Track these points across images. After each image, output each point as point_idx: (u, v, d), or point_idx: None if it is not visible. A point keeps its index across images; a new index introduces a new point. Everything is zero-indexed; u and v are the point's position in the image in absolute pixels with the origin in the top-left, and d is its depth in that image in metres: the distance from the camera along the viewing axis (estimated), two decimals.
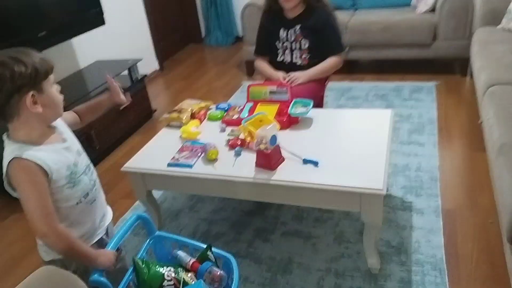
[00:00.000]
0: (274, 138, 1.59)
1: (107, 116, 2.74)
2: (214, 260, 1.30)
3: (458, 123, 2.65)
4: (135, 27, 3.97)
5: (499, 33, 2.71)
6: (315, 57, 2.31)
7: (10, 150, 1.06)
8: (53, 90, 1.11)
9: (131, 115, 3.06)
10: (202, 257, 1.30)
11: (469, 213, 1.91)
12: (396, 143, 2.49)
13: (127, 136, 3.04)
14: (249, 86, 2.03)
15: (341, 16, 3.35)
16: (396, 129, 2.62)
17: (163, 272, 1.23)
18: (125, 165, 1.79)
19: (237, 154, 1.73)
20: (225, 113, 2.05)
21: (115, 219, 2.17)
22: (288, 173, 1.59)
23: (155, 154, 1.84)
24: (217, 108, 2.11)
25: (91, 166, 1.28)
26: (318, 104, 2.35)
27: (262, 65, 2.40)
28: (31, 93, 1.03)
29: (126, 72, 3.08)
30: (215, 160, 1.70)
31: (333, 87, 3.31)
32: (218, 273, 1.24)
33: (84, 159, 1.23)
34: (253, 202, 2.14)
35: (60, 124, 1.22)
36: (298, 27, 2.26)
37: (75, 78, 3.11)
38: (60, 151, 1.13)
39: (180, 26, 4.88)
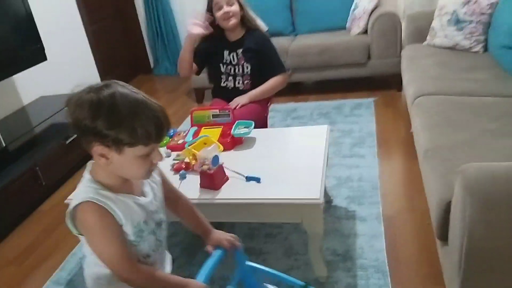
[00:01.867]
0: (216, 158, 1.64)
1: (53, 149, 2.70)
2: None
3: (395, 134, 2.83)
4: (80, 60, 3.95)
5: (425, 49, 2.95)
6: (257, 82, 2.42)
7: (86, 189, 1.00)
8: (138, 160, 0.97)
9: (79, 148, 3.01)
10: None
11: (408, 217, 2.04)
12: (339, 157, 2.61)
13: (75, 170, 2.98)
14: (192, 111, 2.08)
15: (282, 41, 3.55)
16: (338, 144, 2.76)
17: None
18: (69, 197, 1.77)
19: (182, 178, 1.76)
20: (170, 139, 2.08)
21: (64, 255, 2.14)
22: (232, 191, 1.64)
23: None
24: None
25: (164, 224, 1.17)
26: (263, 125, 2.44)
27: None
28: (101, 146, 0.95)
29: None
30: None
31: (279, 108, 3.44)
32: None
33: (158, 217, 1.13)
34: None
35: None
36: (240, 50, 2.36)
37: (18, 115, 3.05)
38: (132, 205, 1.03)
39: (128, 58, 4.90)
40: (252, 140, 2.00)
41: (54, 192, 2.76)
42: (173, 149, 1.99)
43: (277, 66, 2.43)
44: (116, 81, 0.98)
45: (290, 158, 1.82)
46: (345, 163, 2.54)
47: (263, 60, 2.37)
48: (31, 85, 3.24)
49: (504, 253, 1.17)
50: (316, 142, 1.89)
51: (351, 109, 3.29)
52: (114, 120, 0.91)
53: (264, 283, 1.27)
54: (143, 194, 1.09)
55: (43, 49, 2.95)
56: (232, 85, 2.45)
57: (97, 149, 0.96)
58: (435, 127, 1.87)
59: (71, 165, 2.94)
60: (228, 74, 2.44)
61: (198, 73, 2.48)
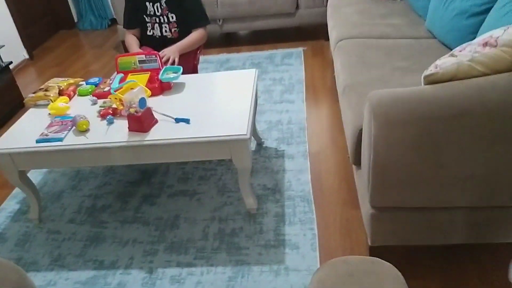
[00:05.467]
0: (143, 100, 1.65)
1: None
2: None
3: (321, 81, 2.97)
4: None
5: None
6: (184, 30, 2.39)
7: None
8: None
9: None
10: None
11: (330, 153, 2.20)
12: (270, 103, 2.71)
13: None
14: (117, 57, 2.04)
15: None
16: (270, 91, 2.85)
17: None
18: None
19: (110, 123, 1.75)
20: (96, 87, 2.04)
21: None
22: (161, 132, 1.66)
23: (22, 133, 1.78)
24: (87, 83, 2.09)
25: None
26: (193, 72, 2.45)
27: (130, 41, 2.40)
28: None
29: None
30: (86, 130, 1.71)
31: (212, 59, 3.44)
32: None
33: None
34: (138, 172, 2.18)
35: None
36: (163, 1, 2.31)
37: None
38: None
39: (48, 12, 4.56)
40: (181, 85, 2.02)
41: None
42: (99, 96, 1.96)
43: (199, 17, 2.41)
44: None
45: (219, 101, 1.87)
46: (275, 109, 2.64)
47: (186, 10, 2.34)
48: None
49: (403, 167, 1.32)
50: (244, 85, 1.95)
51: (282, 58, 3.37)
52: None
53: None
54: None
55: None
56: (159, 34, 2.41)
57: None
58: (353, 67, 2.00)
59: None
60: (154, 23, 2.39)
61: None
